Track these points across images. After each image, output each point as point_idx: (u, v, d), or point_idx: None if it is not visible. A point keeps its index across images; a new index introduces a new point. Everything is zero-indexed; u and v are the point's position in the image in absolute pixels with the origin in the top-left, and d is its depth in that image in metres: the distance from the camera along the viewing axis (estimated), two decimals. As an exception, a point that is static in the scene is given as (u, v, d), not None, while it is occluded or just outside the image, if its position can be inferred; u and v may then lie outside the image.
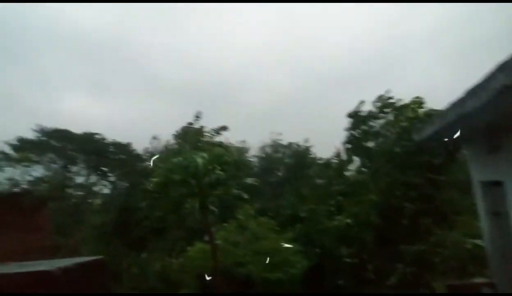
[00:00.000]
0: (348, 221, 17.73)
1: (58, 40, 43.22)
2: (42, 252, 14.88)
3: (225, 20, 43.55)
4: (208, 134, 24.92)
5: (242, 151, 26.35)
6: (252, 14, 43.96)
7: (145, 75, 42.61)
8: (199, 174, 13.30)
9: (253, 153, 27.90)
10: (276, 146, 28.58)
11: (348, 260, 16.66)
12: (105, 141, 25.53)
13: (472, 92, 4.89)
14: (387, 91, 21.82)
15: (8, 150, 27.53)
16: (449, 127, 6.39)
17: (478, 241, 11.02)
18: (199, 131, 24.43)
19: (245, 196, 14.51)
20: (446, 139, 7.64)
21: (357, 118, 22.99)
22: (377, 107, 22.44)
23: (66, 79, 42.37)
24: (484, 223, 7.90)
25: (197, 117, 24.21)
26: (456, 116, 5.68)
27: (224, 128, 24.58)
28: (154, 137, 22.14)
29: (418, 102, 20.22)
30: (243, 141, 27.13)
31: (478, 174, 7.85)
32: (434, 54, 36.68)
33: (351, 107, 23.56)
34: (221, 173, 13.24)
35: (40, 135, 27.90)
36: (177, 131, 24.43)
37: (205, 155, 13.82)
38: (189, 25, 44.46)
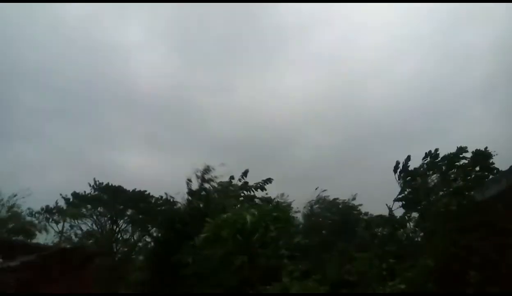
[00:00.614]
0: (402, 286, 16.25)
1: (121, 100, 46.77)
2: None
3: (275, 78, 45.26)
4: (253, 189, 24.74)
5: (288, 207, 25.68)
6: (301, 70, 45.36)
7: (200, 133, 44.52)
8: (248, 231, 12.94)
9: (298, 209, 27.12)
10: (321, 202, 27.61)
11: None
12: (152, 198, 26.09)
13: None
14: (436, 149, 21.04)
15: (63, 204, 28.97)
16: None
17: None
18: (244, 186, 24.32)
19: (292, 255, 13.71)
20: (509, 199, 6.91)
21: (407, 173, 22.00)
22: (427, 163, 21.45)
23: (127, 138, 45.18)
24: None
25: (245, 174, 24.25)
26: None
27: (269, 180, 24.33)
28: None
29: (462, 150, 19.33)
30: (287, 197, 26.57)
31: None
32: (485, 109, 35.22)
33: (398, 162, 22.76)
34: (272, 230, 12.75)
35: (93, 190, 29.21)
36: (220, 185, 24.44)
37: (254, 211, 13.54)
38: (241, 83, 46.62)
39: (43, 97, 44.79)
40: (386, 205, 22.53)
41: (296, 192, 27.68)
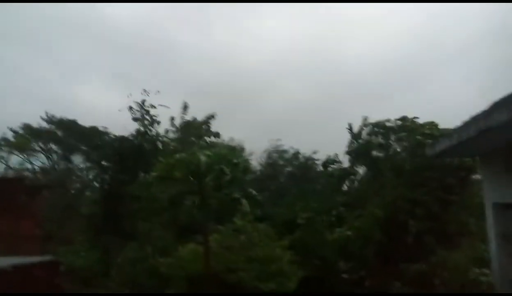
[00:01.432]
0: (349, 233, 17.06)
1: (87, 31, 43.74)
2: (31, 240, 14.48)
3: (252, 23, 43.65)
4: (212, 133, 24.48)
5: (245, 153, 25.84)
6: (279, 18, 43.97)
7: (167, 70, 42.79)
8: (201, 172, 12.78)
9: (256, 158, 27.39)
10: (279, 153, 28.02)
11: (345, 275, 15.93)
12: (109, 135, 25.15)
13: (499, 105, 4.30)
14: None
15: (11, 136, 27.44)
16: (467, 143, 5.78)
17: (485, 270, 10.36)
18: (204, 129, 24.00)
19: (245, 201, 13.77)
20: (461, 155, 7.03)
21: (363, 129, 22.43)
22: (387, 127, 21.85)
23: (89, 70, 42.75)
24: (494, 248, 7.26)
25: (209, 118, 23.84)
26: (477, 130, 5.08)
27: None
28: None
29: (433, 125, 19.52)
30: (244, 144, 26.66)
31: (492, 195, 7.21)
32: (463, 70, 35.76)
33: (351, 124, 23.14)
34: (227, 174, 12.62)
35: (47, 124, 27.75)
36: (180, 125, 23.97)
37: (209, 153, 13.30)
38: (216, 26, 44.72)
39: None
40: (336, 154, 23.01)
41: (261, 144, 27.80)
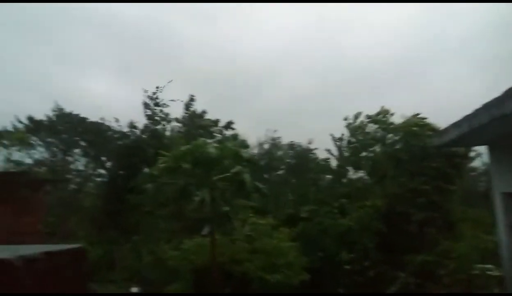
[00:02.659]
0: (351, 224, 17.23)
1: (93, 23, 43.40)
2: (33, 235, 14.44)
3: (254, 17, 43.57)
4: (216, 127, 24.55)
5: (249, 146, 25.91)
6: (281, 12, 43.89)
7: (171, 63, 42.66)
8: (209, 164, 12.74)
9: (253, 149, 27.51)
10: (275, 144, 28.11)
11: (348, 266, 16.08)
12: (111, 128, 25.06)
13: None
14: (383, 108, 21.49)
15: (11, 128, 27.19)
16: (478, 131, 5.85)
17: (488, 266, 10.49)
18: (207, 121, 24.05)
19: (254, 193, 13.60)
20: (470, 144, 7.11)
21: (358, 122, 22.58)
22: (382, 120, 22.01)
23: (95, 61, 42.53)
24: (503, 238, 7.36)
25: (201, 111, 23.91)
26: (490, 118, 5.14)
27: (231, 123, 24.34)
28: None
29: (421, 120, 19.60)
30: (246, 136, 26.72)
31: (501, 185, 7.30)
32: (464, 62, 35.88)
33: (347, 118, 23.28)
34: (239, 167, 12.52)
35: (50, 117, 27.58)
36: (182, 117, 23.98)
37: (217, 145, 13.24)
38: (220, 20, 44.63)
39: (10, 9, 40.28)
40: (336, 147, 23.14)
41: (259, 135, 27.88)
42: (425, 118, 18.88)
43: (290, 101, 38.48)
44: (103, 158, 24.31)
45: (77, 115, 27.48)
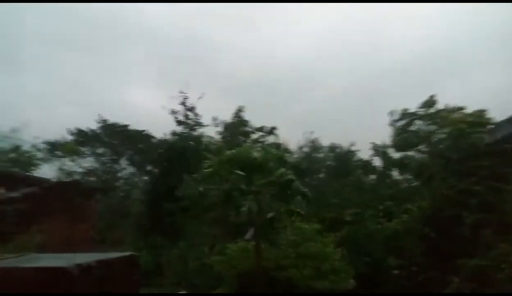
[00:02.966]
0: (397, 228, 16.66)
1: (130, 35, 45.45)
2: (86, 241, 15.14)
3: (289, 18, 43.68)
4: (257, 132, 24.82)
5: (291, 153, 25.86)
6: (315, 12, 43.69)
7: (209, 70, 43.55)
8: (254, 169, 12.77)
9: (294, 153, 27.33)
10: (315, 147, 27.80)
11: (396, 271, 15.53)
12: (153, 138, 25.94)
13: None
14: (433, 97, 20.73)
15: (67, 138, 28.94)
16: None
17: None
18: (247, 128, 24.37)
19: (299, 197, 13.37)
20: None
21: (405, 118, 21.88)
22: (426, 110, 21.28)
23: (135, 72, 44.42)
24: None
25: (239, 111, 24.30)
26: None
27: (274, 129, 24.57)
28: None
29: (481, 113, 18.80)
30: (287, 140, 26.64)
31: None
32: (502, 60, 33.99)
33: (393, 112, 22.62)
34: (287, 172, 12.44)
35: (97, 128, 29.10)
36: (225, 124, 24.44)
37: (262, 150, 13.28)
38: (255, 23, 45.08)
39: (52, 24, 43.15)
40: (382, 147, 22.56)
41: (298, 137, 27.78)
42: (476, 113, 18.00)
43: (329, 101, 38.05)
44: (147, 165, 25.19)
45: (120, 125, 28.77)
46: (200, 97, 19.00)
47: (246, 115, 25.05)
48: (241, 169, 12.73)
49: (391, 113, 22.34)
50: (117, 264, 4.32)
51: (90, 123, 28.64)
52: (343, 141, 27.04)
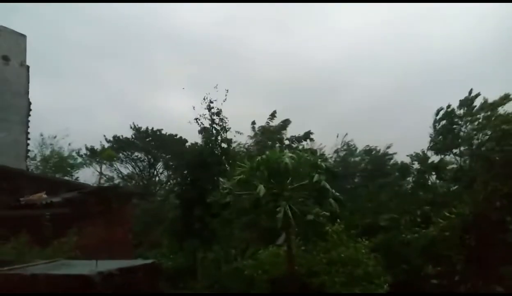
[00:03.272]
0: (436, 234, 15.93)
1: (164, 39, 46.90)
2: (123, 245, 15.61)
3: (326, 19, 43.45)
4: (290, 138, 24.70)
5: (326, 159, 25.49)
6: (354, 15, 43.24)
7: (244, 73, 44.02)
8: (285, 174, 12.73)
9: (328, 155, 26.87)
10: (350, 150, 27.19)
11: (435, 281, 14.85)
12: (186, 142, 26.48)
13: None
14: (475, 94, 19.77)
15: (105, 145, 30.18)
16: None
17: None
18: (280, 132, 24.32)
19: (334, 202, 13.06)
20: None
21: (446, 119, 20.98)
22: (466, 110, 20.31)
23: (173, 79, 45.72)
24: None
25: (273, 116, 24.27)
26: None
27: (309, 134, 24.37)
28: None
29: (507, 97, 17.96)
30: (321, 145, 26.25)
31: None
32: None
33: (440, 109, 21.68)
34: (320, 178, 12.26)
35: (133, 134, 30.19)
36: (259, 129, 24.49)
37: (293, 155, 13.21)
38: (291, 26, 45.15)
39: (93, 33, 45.49)
40: (421, 152, 21.72)
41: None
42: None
43: (368, 102, 37.33)
44: (181, 169, 25.69)
45: (157, 130, 29.63)
46: (224, 100, 18.81)
47: (284, 117, 24.98)
48: (272, 175, 12.70)
49: (437, 112, 21.50)
50: (139, 271, 4.44)
51: (127, 130, 29.67)
52: (382, 143, 26.35)
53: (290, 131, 25.24)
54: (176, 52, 48.24)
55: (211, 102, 19.13)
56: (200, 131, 19.54)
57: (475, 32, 36.97)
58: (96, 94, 45.20)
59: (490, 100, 19.50)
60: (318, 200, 12.87)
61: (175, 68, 46.58)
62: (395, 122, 33.92)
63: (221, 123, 19.26)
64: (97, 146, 29.42)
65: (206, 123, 19.52)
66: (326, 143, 26.42)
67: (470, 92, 20.34)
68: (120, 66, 47.88)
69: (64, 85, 44.36)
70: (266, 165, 12.85)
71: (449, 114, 20.91)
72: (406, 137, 26.74)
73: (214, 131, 19.25)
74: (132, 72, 47.98)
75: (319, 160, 13.98)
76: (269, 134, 24.07)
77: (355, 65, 43.00)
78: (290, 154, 13.24)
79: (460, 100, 20.59)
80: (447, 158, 21.12)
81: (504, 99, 18.87)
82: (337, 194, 13.03)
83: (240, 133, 21.06)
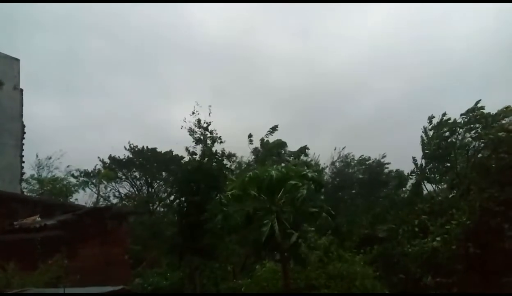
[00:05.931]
0: (435, 244, 15.80)
1: (182, 50, 46.88)
2: (120, 264, 15.47)
3: (341, 26, 43.68)
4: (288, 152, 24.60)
5: (319, 167, 25.41)
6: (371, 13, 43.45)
7: (255, 77, 43.87)
8: (273, 188, 12.72)
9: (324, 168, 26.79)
10: (347, 161, 27.18)
11: (434, 293, 14.66)
12: (182, 158, 26.41)
13: None
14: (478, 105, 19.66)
15: (101, 167, 30.16)
16: None
17: None
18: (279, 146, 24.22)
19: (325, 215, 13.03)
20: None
21: (440, 128, 20.89)
22: (465, 120, 20.19)
23: (182, 87, 45.49)
24: None
25: (273, 129, 24.23)
26: None
27: (304, 149, 24.29)
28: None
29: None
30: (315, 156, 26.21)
31: None
32: None
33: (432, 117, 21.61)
34: (303, 190, 12.24)
35: (129, 154, 30.17)
36: (261, 143, 24.40)
37: (281, 168, 13.20)
38: (307, 29, 45.28)
39: (109, 49, 45.66)
40: (413, 159, 21.62)
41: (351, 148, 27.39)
42: None
43: (380, 108, 37.08)
44: (178, 186, 25.53)
45: (153, 149, 29.60)
46: (209, 113, 18.66)
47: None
48: (262, 189, 12.70)
49: (429, 120, 21.38)
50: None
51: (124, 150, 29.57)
52: (393, 153, 26.34)
53: (303, 141, 25.39)
54: (188, 63, 48.14)
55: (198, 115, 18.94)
56: (197, 142, 19.29)
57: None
58: (112, 110, 44.87)
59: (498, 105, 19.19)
60: (305, 213, 12.88)
61: (189, 78, 46.34)
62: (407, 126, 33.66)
63: (211, 135, 19.08)
64: (98, 166, 29.51)
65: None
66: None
67: (477, 103, 19.98)
68: (134, 81, 47.72)
69: (74, 102, 44.34)
70: (255, 180, 12.86)
71: (445, 123, 20.79)
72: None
73: (206, 146, 19.12)
74: (151, 86, 47.91)
75: (306, 170, 13.95)
76: (267, 150, 23.94)
77: (367, 72, 43.23)
78: (278, 167, 13.26)
79: (467, 110, 20.27)
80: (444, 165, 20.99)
81: (505, 110, 18.64)
82: (327, 207, 13.01)
83: (233, 155, 21.05)
